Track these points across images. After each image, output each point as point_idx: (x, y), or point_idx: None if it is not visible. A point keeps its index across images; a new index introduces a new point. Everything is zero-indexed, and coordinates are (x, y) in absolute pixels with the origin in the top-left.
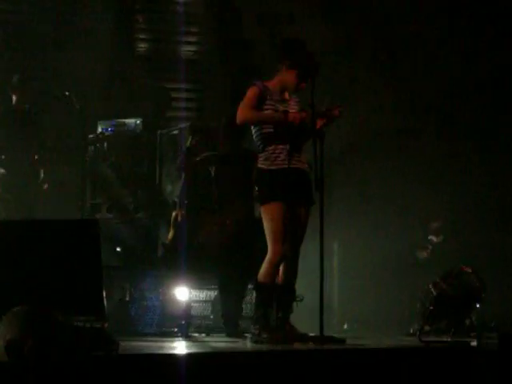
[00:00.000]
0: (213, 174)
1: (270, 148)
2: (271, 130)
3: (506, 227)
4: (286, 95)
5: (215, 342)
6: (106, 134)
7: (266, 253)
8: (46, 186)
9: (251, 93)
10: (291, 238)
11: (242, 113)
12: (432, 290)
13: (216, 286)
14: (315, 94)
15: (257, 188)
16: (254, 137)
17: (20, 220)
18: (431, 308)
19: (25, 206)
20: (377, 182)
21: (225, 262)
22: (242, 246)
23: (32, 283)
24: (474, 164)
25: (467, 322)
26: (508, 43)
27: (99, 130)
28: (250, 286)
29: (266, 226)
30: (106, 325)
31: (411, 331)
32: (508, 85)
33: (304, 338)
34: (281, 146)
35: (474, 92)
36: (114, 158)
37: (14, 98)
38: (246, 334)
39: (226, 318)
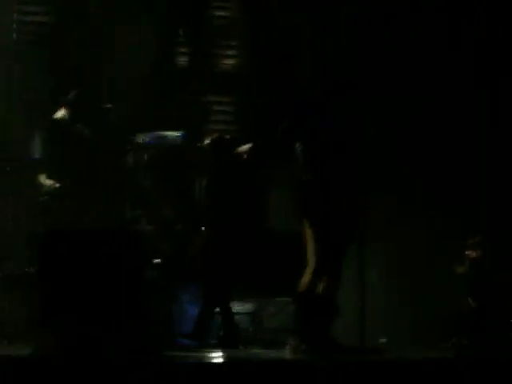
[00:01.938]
0: None
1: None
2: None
3: None
4: None
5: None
6: (147, 145)
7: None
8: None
9: None
10: (333, 250)
11: None
12: (471, 303)
13: (255, 298)
14: None
15: (300, 200)
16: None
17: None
18: (470, 321)
19: (70, 215)
20: (412, 194)
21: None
22: None
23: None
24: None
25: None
26: None
27: (139, 141)
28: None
29: (307, 238)
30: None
31: (450, 345)
32: None
33: (344, 349)
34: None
35: None
36: (154, 170)
37: (66, 113)
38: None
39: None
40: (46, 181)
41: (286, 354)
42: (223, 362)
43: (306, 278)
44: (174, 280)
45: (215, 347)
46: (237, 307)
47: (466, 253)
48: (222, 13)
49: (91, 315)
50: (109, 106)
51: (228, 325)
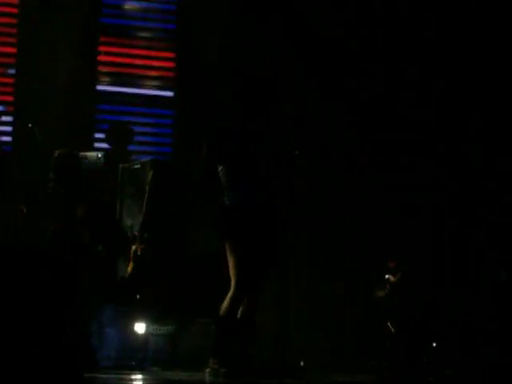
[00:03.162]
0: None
1: (234, 184)
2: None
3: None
4: None
5: (172, 375)
6: None
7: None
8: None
9: None
10: (254, 274)
11: None
12: (390, 327)
13: (174, 321)
14: None
15: (219, 224)
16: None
17: None
18: (389, 345)
19: None
20: (336, 220)
21: None
22: None
23: None
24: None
25: (424, 359)
26: None
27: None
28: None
29: (229, 261)
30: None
31: (369, 368)
32: None
33: (263, 372)
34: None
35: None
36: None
37: None
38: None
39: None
40: None
41: (206, 376)
42: None
43: (226, 301)
44: (96, 302)
45: (136, 369)
46: (156, 328)
47: (386, 277)
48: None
49: (7, 337)
50: (29, 125)
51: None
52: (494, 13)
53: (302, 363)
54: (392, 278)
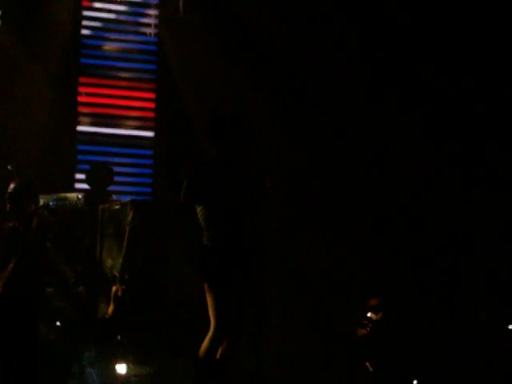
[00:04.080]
0: None
1: (211, 224)
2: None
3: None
4: None
5: None
6: (48, 207)
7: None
8: None
9: None
10: (234, 314)
11: None
12: (369, 367)
13: (154, 361)
14: None
15: (200, 265)
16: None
17: None
18: None
19: None
20: (313, 257)
21: None
22: None
23: None
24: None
25: None
26: None
27: (40, 203)
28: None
29: (208, 302)
30: None
31: None
32: None
33: None
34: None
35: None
36: (54, 232)
37: None
38: None
39: None
40: None
41: None
42: None
43: (205, 342)
44: (73, 342)
45: None
46: (137, 369)
47: (367, 315)
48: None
49: None
50: (9, 167)
51: None
52: None
53: None
54: (374, 316)
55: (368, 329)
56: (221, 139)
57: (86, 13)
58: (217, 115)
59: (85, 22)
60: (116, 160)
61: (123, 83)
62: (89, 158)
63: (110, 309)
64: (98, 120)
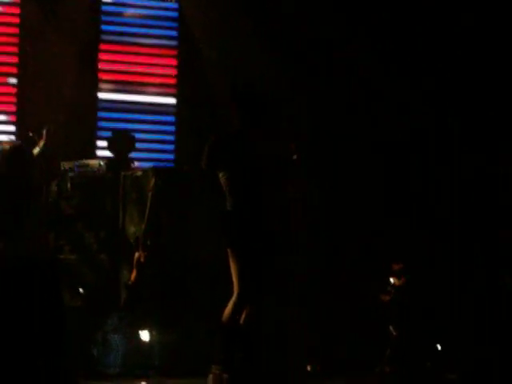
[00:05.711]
0: None
1: (234, 190)
2: None
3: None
4: None
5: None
6: (70, 174)
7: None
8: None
9: None
10: (256, 278)
11: None
12: (392, 331)
13: (177, 327)
14: None
15: (221, 230)
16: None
17: None
18: (390, 350)
19: None
20: (337, 221)
21: None
22: None
23: None
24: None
25: (428, 364)
26: None
27: (62, 169)
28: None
29: (231, 267)
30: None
31: (374, 373)
32: None
33: (266, 377)
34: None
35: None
36: (77, 199)
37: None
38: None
39: None
40: None
41: (208, 383)
42: None
43: (228, 307)
44: (96, 309)
45: (140, 376)
46: (160, 335)
47: (391, 280)
48: None
49: (7, 345)
50: (30, 134)
51: None
52: None
53: (308, 368)
54: (397, 281)
55: (391, 294)
56: (242, 108)
57: None
58: (238, 83)
59: None
60: (138, 127)
61: (145, 50)
62: (110, 125)
63: (133, 275)
64: (119, 87)
